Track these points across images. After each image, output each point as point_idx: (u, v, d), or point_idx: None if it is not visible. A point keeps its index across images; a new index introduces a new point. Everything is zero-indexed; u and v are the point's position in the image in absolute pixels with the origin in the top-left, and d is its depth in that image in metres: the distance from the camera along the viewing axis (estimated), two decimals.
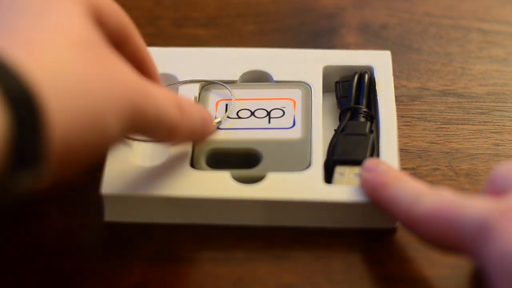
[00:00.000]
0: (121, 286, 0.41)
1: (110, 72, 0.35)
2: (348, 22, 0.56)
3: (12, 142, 0.31)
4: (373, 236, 0.42)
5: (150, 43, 0.54)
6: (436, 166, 0.46)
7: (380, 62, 0.49)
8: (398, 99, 0.50)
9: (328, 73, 0.49)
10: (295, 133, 0.45)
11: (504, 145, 0.47)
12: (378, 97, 0.47)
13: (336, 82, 0.48)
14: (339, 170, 0.43)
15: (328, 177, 0.43)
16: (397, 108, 0.48)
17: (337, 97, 0.48)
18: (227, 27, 0.56)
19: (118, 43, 0.40)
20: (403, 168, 0.45)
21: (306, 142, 0.44)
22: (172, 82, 0.48)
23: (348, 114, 0.46)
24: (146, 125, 0.38)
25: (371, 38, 0.55)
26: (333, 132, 0.46)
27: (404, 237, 0.42)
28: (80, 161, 0.35)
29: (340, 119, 0.47)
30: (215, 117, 0.45)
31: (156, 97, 0.38)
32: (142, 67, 0.42)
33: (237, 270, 0.41)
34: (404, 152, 0.46)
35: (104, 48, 0.36)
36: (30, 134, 0.31)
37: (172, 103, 0.39)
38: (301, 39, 0.55)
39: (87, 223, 0.43)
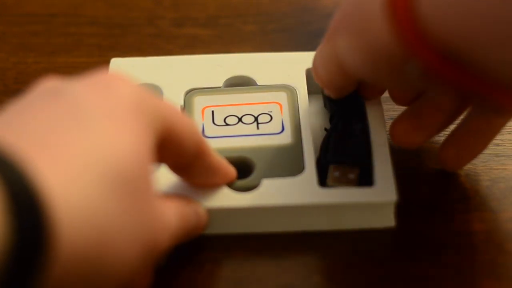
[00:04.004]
0: None
1: (138, 216, 0.33)
2: None
3: (10, 258, 0.29)
4: (373, 236, 0.42)
5: (150, 43, 0.55)
6: (436, 166, 0.46)
7: None
8: None
9: (311, 75, 0.48)
10: (285, 138, 0.45)
11: (504, 145, 0.47)
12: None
13: None
14: (335, 170, 0.43)
15: (321, 177, 0.43)
16: (396, 108, 0.48)
17: (324, 97, 0.47)
18: (227, 27, 0.56)
19: (189, 161, 0.39)
20: (403, 168, 0.45)
21: (297, 147, 0.44)
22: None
23: (340, 114, 0.46)
24: (157, 255, 0.36)
25: None
26: (320, 134, 0.46)
27: (404, 237, 0.42)
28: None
29: (331, 119, 0.46)
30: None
31: (170, 224, 0.36)
32: (214, 176, 0.41)
33: (237, 270, 0.41)
34: (404, 151, 0.46)
35: (142, 186, 0.34)
36: (31, 254, 0.29)
37: (177, 216, 0.38)
38: (301, 39, 0.55)
39: None
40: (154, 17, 0.57)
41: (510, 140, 0.47)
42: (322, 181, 0.43)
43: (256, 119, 0.46)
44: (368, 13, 0.38)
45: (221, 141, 0.45)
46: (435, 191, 0.45)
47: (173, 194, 0.40)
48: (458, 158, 0.45)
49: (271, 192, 0.42)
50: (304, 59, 0.49)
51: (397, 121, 0.45)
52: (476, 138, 0.44)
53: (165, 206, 0.37)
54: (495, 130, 0.44)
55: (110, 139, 0.33)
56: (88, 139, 0.32)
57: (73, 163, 0.31)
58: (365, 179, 0.43)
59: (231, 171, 0.42)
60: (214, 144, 0.44)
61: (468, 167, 0.46)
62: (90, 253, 0.31)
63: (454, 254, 0.42)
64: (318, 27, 0.56)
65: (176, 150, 0.38)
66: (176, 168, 0.40)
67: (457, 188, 0.45)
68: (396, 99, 0.46)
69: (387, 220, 0.42)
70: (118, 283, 0.34)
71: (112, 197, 0.32)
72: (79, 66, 0.53)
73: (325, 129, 0.46)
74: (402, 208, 0.42)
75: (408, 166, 0.46)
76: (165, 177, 0.41)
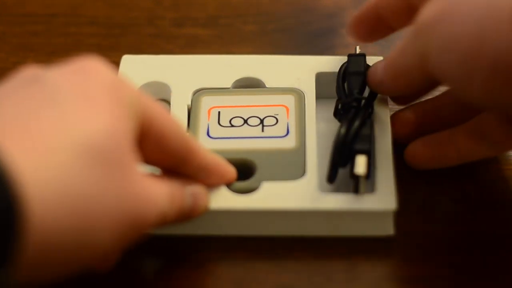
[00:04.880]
0: (119, 284, 0.41)
1: (116, 187, 0.34)
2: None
3: None
4: (373, 236, 0.42)
5: (150, 43, 0.55)
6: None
7: None
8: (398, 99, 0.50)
9: (321, 79, 0.48)
10: (289, 142, 0.45)
11: None
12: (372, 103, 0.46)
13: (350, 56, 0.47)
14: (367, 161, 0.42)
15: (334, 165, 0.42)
16: (396, 108, 0.48)
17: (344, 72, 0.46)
18: (227, 27, 0.56)
19: (179, 161, 0.39)
20: (403, 168, 0.45)
21: (300, 151, 0.44)
22: None
23: (366, 109, 0.44)
24: (145, 230, 0.36)
25: None
26: (325, 139, 0.45)
27: (404, 237, 0.42)
28: (64, 269, 0.33)
29: (343, 109, 0.45)
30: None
31: (157, 199, 0.36)
32: (210, 176, 0.41)
33: (237, 270, 0.41)
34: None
35: (119, 159, 0.34)
36: (3, 235, 0.30)
37: (167, 196, 0.37)
38: (301, 39, 0.55)
39: None
40: (154, 17, 0.57)
41: None
42: (333, 170, 0.42)
43: (261, 121, 0.46)
44: (489, 14, 0.37)
45: (225, 142, 0.45)
46: (435, 191, 0.45)
47: (169, 175, 0.40)
48: (426, 161, 0.45)
49: (270, 195, 0.42)
50: (315, 63, 0.49)
51: (414, 144, 0.45)
52: (456, 154, 0.44)
53: (153, 183, 0.36)
54: (477, 156, 0.44)
55: (84, 117, 0.33)
56: (60, 117, 0.33)
57: (43, 139, 0.32)
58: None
59: (230, 170, 0.42)
60: (217, 145, 0.44)
61: (469, 166, 0.46)
62: (67, 223, 0.32)
63: (454, 254, 0.42)
64: (318, 27, 0.56)
65: (160, 146, 0.38)
66: (167, 169, 0.39)
67: (457, 188, 0.45)
68: (397, 99, 0.46)
69: (386, 228, 0.42)
70: (99, 254, 0.34)
71: (87, 169, 0.32)
72: None
73: (338, 103, 0.45)
74: (402, 208, 0.42)
75: (408, 166, 0.46)
76: None
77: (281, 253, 0.42)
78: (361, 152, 0.41)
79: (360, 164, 0.41)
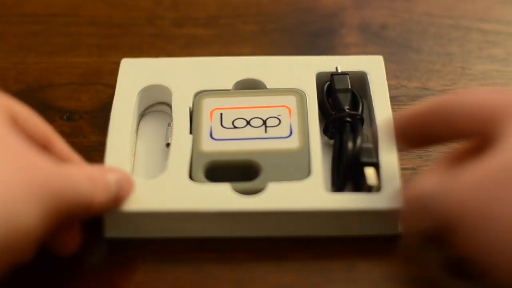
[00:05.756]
0: (121, 285, 0.41)
1: (20, 167, 0.35)
2: (348, 22, 0.56)
3: None
4: (373, 236, 0.42)
5: (150, 43, 0.55)
6: None
7: (373, 67, 0.48)
8: (398, 99, 0.50)
9: (321, 79, 0.48)
10: (293, 143, 0.45)
11: None
12: (373, 103, 0.46)
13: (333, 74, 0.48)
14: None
15: (339, 178, 0.43)
16: (397, 108, 0.48)
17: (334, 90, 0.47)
18: (227, 27, 0.56)
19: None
20: (403, 168, 0.45)
21: (304, 151, 0.44)
22: None
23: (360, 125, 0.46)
24: (67, 206, 0.36)
25: (371, 38, 0.55)
26: (328, 139, 0.46)
27: (404, 237, 0.42)
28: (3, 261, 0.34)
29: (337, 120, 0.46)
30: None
31: (72, 176, 0.37)
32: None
33: (237, 270, 0.41)
34: (404, 152, 0.46)
35: (12, 140, 0.36)
36: None
37: (86, 178, 0.38)
38: (301, 39, 0.55)
39: (88, 239, 0.42)
40: (154, 17, 0.57)
41: None
42: (340, 182, 0.43)
43: (264, 122, 0.46)
44: None
45: (229, 144, 0.45)
46: None
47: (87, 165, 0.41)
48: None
49: (276, 196, 0.42)
50: (315, 63, 0.49)
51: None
52: None
53: (63, 164, 0.38)
54: None
55: None
56: None
57: None
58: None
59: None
60: (221, 147, 0.44)
61: None
62: None
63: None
64: (318, 27, 0.56)
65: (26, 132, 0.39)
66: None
67: None
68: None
69: (393, 227, 0.42)
70: (30, 234, 0.34)
71: None
72: (79, 66, 0.53)
73: (345, 112, 0.46)
74: None
75: (409, 166, 0.46)
76: None
77: (281, 253, 0.42)
78: (369, 164, 0.42)
79: (371, 176, 0.42)
